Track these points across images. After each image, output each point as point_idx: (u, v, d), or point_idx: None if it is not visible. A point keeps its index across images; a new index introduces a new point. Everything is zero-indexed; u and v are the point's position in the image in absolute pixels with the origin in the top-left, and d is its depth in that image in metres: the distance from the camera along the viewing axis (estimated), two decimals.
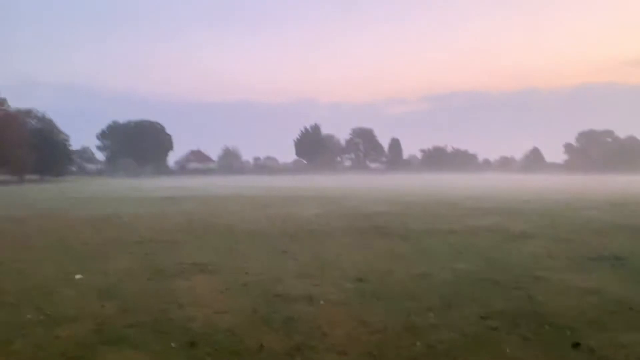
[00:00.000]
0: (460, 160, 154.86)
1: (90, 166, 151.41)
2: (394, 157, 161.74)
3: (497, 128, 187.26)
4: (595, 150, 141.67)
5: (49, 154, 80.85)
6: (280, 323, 6.14)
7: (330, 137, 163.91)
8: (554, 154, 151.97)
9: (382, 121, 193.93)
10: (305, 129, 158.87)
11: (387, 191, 41.57)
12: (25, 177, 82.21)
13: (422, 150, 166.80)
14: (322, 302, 7.11)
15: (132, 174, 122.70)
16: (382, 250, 11.42)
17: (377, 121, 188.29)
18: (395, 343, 5.49)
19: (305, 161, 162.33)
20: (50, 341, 5.58)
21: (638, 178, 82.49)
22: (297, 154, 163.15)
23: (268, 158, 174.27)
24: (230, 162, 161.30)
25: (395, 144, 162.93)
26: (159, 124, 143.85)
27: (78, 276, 8.82)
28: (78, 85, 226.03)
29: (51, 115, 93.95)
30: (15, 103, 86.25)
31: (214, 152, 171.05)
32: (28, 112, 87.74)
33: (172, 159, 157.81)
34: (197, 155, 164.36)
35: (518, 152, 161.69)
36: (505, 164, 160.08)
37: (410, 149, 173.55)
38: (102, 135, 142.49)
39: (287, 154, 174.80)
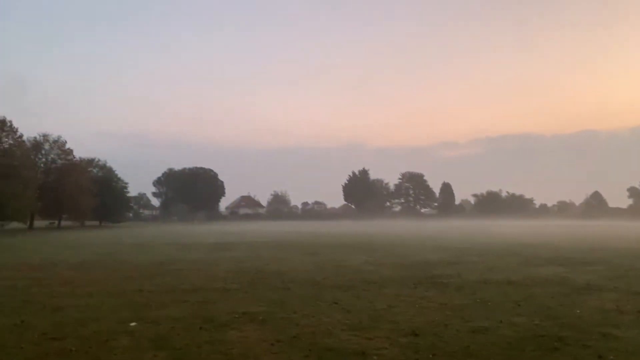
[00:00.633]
0: (516, 205, 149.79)
1: (146, 212, 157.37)
2: (445, 202, 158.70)
3: (554, 172, 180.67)
4: None
5: (108, 200, 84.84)
6: None
7: (379, 182, 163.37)
8: (617, 199, 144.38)
9: (433, 165, 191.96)
10: (354, 173, 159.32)
11: (440, 238, 40.53)
12: (85, 223, 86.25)
13: (475, 195, 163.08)
14: (375, 357, 6.86)
15: (186, 220, 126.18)
16: (436, 301, 10.99)
17: (427, 165, 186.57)
18: None
19: (353, 206, 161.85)
20: None
21: None
22: (346, 199, 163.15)
23: (316, 203, 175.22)
24: (279, 207, 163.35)
25: (446, 188, 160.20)
26: (212, 170, 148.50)
27: (132, 324, 8.96)
28: (137, 134, 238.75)
29: (112, 163, 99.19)
30: (80, 152, 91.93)
31: (263, 198, 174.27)
32: (91, 162, 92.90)
33: (223, 204, 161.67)
34: (247, 201, 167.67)
35: (577, 197, 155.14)
36: (563, 209, 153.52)
37: (463, 193, 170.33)
38: (158, 182, 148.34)
39: (336, 199, 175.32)
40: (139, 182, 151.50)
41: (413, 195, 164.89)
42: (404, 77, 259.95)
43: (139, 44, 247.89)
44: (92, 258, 23.13)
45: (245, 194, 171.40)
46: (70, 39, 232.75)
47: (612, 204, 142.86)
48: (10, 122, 60.41)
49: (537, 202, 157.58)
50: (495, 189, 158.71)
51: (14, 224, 63.93)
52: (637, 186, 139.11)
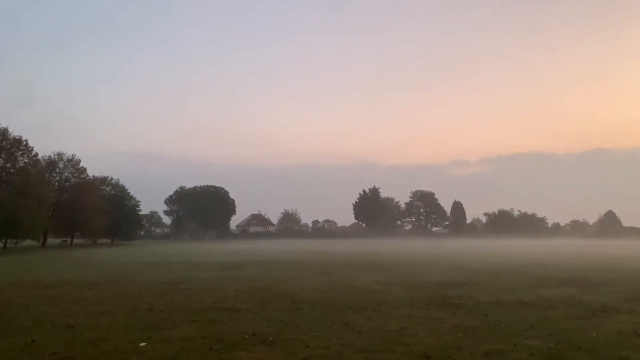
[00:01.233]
0: (528, 224, 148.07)
1: (157, 230, 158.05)
2: (457, 221, 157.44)
3: (566, 191, 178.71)
4: None
5: (120, 218, 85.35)
6: None
7: (389, 200, 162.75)
8: (632, 218, 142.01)
9: (444, 184, 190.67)
10: (364, 192, 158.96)
11: (451, 257, 40.14)
12: (97, 241, 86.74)
13: (487, 214, 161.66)
14: None
15: (196, 238, 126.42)
16: (449, 323, 10.84)
17: (438, 184, 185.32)
18: None
19: (364, 225, 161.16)
20: None
21: None
22: (356, 217, 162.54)
23: (327, 221, 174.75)
24: (289, 225, 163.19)
25: (457, 207, 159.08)
26: (223, 189, 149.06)
27: (142, 344, 8.94)
28: (150, 153, 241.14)
29: (124, 181, 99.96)
30: (94, 171, 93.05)
31: (274, 216, 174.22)
32: (104, 180, 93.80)
33: (234, 222, 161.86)
34: (258, 219, 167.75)
35: (591, 216, 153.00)
36: (577, 228, 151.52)
37: (474, 212, 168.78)
38: (170, 200, 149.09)
39: (346, 218, 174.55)
40: (151, 200, 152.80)
41: (424, 213, 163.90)
42: (416, 95, 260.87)
43: (152, 63, 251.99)
44: (103, 276, 23.21)
45: (255, 212, 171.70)
46: (85, 57, 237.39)
47: (626, 223, 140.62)
48: (26, 140, 61.38)
49: (550, 222, 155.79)
50: (507, 207, 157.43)
51: (27, 242, 64.47)
52: None
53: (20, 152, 60.94)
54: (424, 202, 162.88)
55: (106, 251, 58.96)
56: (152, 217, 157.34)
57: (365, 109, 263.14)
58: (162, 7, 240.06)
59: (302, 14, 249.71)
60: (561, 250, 57.16)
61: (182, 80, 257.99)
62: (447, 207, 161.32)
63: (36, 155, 64.75)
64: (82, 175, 78.76)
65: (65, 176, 77.22)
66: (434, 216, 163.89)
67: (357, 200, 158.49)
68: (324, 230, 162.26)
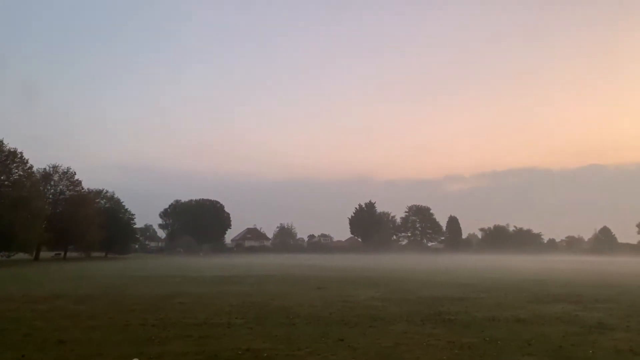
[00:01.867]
0: (523, 239, 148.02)
1: (152, 244, 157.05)
2: (452, 236, 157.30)
3: (561, 206, 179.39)
4: None
5: (115, 232, 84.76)
6: None
7: (385, 215, 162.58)
8: (627, 234, 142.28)
9: (439, 199, 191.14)
10: (360, 206, 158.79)
11: (447, 272, 40.03)
12: (91, 254, 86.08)
13: (482, 229, 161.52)
14: None
15: (191, 252, 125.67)
16: (444, 339, 10.76)
17: (434, 199, 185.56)
18: None
19: (360, 239, 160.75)
20: None
21: None
22: (352, 232, 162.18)
23: (322, 236, 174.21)
24: (285, 239, 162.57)
25: (453, 222, 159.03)
26: (218, 202, 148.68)
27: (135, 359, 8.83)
28: (145, 166, 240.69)
29: (119, 194, 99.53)
30: (89, 183, 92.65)
31: (269, 230, 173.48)
32: (99, 193, 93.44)
33: (229, 236, 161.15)
34: (253, 233, 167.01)
35: (586, 232, 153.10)
36: (572, 244, 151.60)
37: (469, 227, 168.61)
38: (165, 214, 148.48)
39: (342, 232, 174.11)
40: (146, 214, 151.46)
41: (420, 228, 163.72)
42: (411, 109, 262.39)
43: (149, 77, 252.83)
44: (96, 290, 22.98)
45: (251, 226, 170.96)
46: (80, 70, 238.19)
47: (621, 239, 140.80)
48: (21, 153, 61.20)
49: (545, 237, 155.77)
50: (502, 223, 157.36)
51: (20, 255, 63.88)
52: None
53: (15, 165, 60.71)
54: (420, 217, 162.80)
55: (100, 265, 58.48)
56: (147, 230, 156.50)
57: (361, 123, 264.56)
58: (159, 19, 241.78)
59: (297, 27, 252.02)
60: (557, 266, 57.13)
61: (180, 93, 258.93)
62: (443, 222, 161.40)
63: (31, 167, 64.55)
64: (77, 188, 78.47)
65: (60, 189, 76.93)
66: (430, 231, 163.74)
67: (352, 215, 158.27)
68: (320, 244, 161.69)
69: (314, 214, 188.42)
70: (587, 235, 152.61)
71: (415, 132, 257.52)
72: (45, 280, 30.84)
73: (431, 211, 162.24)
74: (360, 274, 37.69)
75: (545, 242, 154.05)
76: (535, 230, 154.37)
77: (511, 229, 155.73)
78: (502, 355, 9.19)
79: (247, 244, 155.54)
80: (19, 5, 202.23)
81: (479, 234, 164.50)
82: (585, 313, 15.02)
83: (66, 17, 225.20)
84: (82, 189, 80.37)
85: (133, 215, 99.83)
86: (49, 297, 19.91)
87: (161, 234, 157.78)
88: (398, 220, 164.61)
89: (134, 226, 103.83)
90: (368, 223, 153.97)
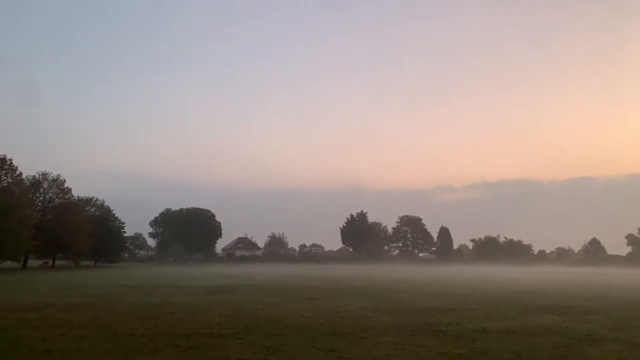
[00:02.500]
0: (514, 251, 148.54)
1: (142, 252, 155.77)
2: (443, 247, 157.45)
3: (552, 218, 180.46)
4: None
5: (104, 240, 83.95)
6: None
7: (377, 225, 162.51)
8: (616, 246, 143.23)
9: (430, 209, 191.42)
10: (352, 216, 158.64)
11: (438, 283, 40.06)
12: (80, 263, 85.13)
13: (473, 240, 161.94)
14: None
15: (181, 261, 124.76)
16: (435, 351, 10.76)
17: (426, 209, 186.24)
18: None
19: (351, 249, 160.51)
20: None
21: None
22: (343, 242, 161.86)
23: (314, 245, 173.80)
24: (276, 249, 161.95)
25: (444, 232, 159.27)
26: (209, 211, 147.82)
27: None
28: (136, 174, 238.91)
29: (109, 202, 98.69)
30: (79, 191, 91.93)
31: (260, 239, 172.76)
32: (89, 201, 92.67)
33: (220, 245, 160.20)
34: (244, 242, 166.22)
35: (576, 244, 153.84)
36: (562, 255, 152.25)
37: (461, 238, 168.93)
38: (155, 222, 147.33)
39: (333, 242, 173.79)
40: (136, 222, 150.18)
41: (411, 239, 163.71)
42: (403, 120, 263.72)
43: (139, 85, 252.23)
44: (85, 300, 22.74)
45: (242, 235, 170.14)
46: (69, 76, 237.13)
47: (610, 251, 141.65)
48: (10, 160, 60.63)
49: (536, 248, 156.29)
50: (493, 234, 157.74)
51: (7, 263, 63.05)
52: (635, 234, 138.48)
53: (3, 172, 60.11)
54: (411, 228, 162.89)
55: (89, 273, 57.87)
56: (137, 239, 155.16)
57: (353, 133, 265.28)
58: (155, 26, 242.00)
59: (289, 36, 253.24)
60: (547, 277, 57.35)
61: (172, 101, 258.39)
62: (434, 233, 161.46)
63: (20, 174, 63.94)
64: (67, 196, 77.72)
65: (49, 196, 76.11)
66: (421, 241, 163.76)
67: (344, 225, 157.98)
68: (311, 254, 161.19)
69: (305, 223, 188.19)
70: (577, 246, 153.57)
71: (407, 143, 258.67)
72: (32, 289, 30.47)
73: (422, 221, 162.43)
74: (352, 284, 37.61)
75: (536, 253, 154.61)
76: (525, 242, 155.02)
77: (502, 240, 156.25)
78: None
79: (238, 253, 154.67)
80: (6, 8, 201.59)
81: (470, 245, 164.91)
82: (575, 324, 15.08)
83: (59, 21, 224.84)
84: (72, 196, 79.65)
85: (123, 223, 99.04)
86: (37, 306, 19.67)
87: (151, 242, 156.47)
88: (389, 230, 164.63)
89: (124, 235, 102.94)
90: (360, 233, 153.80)
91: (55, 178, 76.27)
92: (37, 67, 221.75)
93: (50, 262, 79.89)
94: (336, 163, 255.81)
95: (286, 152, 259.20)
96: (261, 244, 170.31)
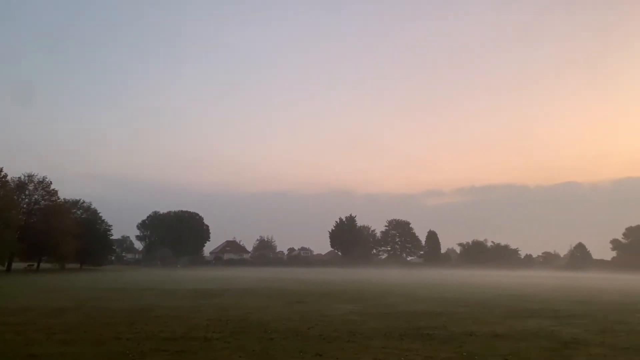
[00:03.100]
0: (501, 255, 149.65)
1: (129, 255, 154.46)
2: (431, 251, 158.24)
3: (538, 222, 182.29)
4: None
5: (91, 243, 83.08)
6: None
7: (366, 229, 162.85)
8: (601, 251, 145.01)
9: (419, 213, 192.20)
10: (341, 220, 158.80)
11: (426, 287, 40.20)
12: (65, 266, 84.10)
13: (461, 244, 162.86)
14: None
15: (169, 264, 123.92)
16: (422, 354, 10.78)
17: (414, 213, 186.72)
18: None
19: (340, 253, 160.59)
20: None
21: None
22: (332, 245, 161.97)
23: (302, 249, 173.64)
24: (264, 252, 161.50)
25: (432, 236, 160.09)
26: (197, 214, 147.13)
27: None
28: (124, 176, 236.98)
29: (96, 204, 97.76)
30: (66, 194, 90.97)
31: (249, 243, 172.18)
32: (75, 203, 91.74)
33: (208, 249, 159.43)
34: (233, 246, 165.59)
35: (562, 248, 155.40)
36: (549, 260, 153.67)
37: (448, 242, 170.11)
38: (142, 225, 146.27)
39: (322, 246, 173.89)
40: (123, 225, 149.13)
41: (399, 242, 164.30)
42: (393, 125, 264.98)
43: (126, 87, 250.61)
44: (70, 303, 22.47)
45: (230, 238, 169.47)
46: (56, 77, 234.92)
47: (596, 255, 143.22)
48: None
49: (523, 253, 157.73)
50: (480, 238, 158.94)
51: None
52: (620, 238, 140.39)
53: None
54: (400, 231, 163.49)
55: (74, 277, 57.21)
56: (124, 242, 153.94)
57: (343, 137, 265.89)
58: (146, 28, 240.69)
59: (277, 40, 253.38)
60: (533, 281, 57.83)
61: (161, 104, 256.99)
62: (422, 237, 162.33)
63: (5, 176, 63.12)
64: (53, 198, 76.82)
65: (35, 198, 75.20)
66: (409, 245, 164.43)
67: (333, 229, 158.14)
68: (300, 258, 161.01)
69: (294, 227, 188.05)
70: (563, 251, 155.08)
71: (396, 147, 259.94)
72: (17, 293, 30.05)
73: (411, 225, 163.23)
74: (340, 288, 37.60)
75: (523, 257, 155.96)
76: (512, 246, 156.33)
77: (489, 244, 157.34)
78: None
79: (226, 256, 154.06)
80: None
81: (458, 249, 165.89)
82: (561, 328, 15.21)
83: (49, 23, 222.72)
84: (58, 198, 78.72)
85: (110, 226, 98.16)
86: (21, 309, 19.40)
87: (138, 245, 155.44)
88: (378, 234, 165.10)
89: (111, 237, 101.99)
90: (348, 237, 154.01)
91: (41, 180, 75.40)
92: (24, 67, 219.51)
93: (35, 265, 78.84)
94: (325, 167, 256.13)
95: (275, 156, 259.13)
96: (249, 248, 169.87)
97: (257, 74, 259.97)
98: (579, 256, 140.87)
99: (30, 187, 74.70)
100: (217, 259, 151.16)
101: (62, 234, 70.92)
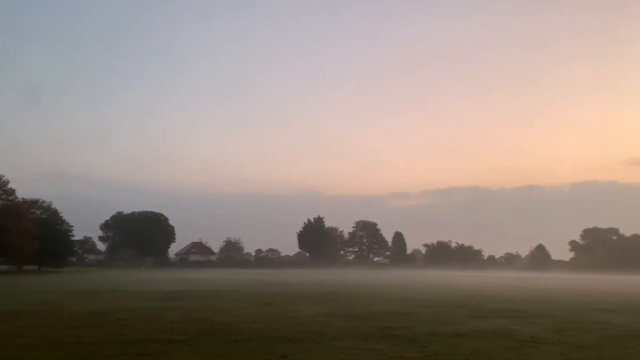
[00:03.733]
0: (465, 256, 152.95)
1: (91, 257, 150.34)
2: (398, 252, 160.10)
3: (501, 224, 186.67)
4: (601, 248, 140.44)
5: (51, 244, 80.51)
6: None
7: (333, 230, 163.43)
8: (560, 252, 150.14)
9: (386, 215, 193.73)
10: (309, 221, 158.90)
11: (392, 288, 40.66)
12: (23, 267, 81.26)
13: (426, 245, 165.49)
14: None
15: (133, 266, 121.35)
16: (388, 355, 10.89)
17: (381, 214, 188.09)
18: None
19: (307, 254, 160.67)
20: None
21: None
22: (300, 246, 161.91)
23: (270, 250, 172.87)
24: (231, 254, 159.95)
25: (398, 238, 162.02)
26: (162, 215, 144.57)
27: None
28: (86, 176, 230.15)
29: (57, 204, 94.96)
30: (24, 193, 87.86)
31: (215, 244, 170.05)
32: (34, 203, 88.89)
33: (173, 250, 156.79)
34: (199, 247, 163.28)
35: (523, 249, 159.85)
36: (510, 260, 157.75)
37: (414, 243, 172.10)
38: (105, 226, 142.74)
39: (290, 247, 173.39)
40: (85, 225, 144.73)
41: (366, 244, 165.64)
42: (360, 127, 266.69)
43: (90, 83, 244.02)
44: (27, 306, 21.73)
45: (196, 240, 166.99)
46: (18, 71, 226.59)
47: (555, 256, 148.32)
48: None
49: (486, 254, 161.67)
50: (445, 239, 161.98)
51: None
52: (577, 240, 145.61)
53: None
54: (367, 233, 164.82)
55: (33, 279, 55.31)
56: (86, 242, 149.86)
57: (309, 139, 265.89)
58: (116, 27, 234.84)
59: (247, 41, 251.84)
60: (496, 281, 59.26)
61: (122, 101, 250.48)
62: (389, 238, 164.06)
63: None
64: (10, 198, 74.29)
65: None
66: (376, 246, 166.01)
67: (301, 230, 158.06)
68: (267, 259, 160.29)
69: (261, 228, 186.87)
70: (524, 252, 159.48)
71: (363, 149, 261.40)
72: None
73: (378, 227, 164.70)
74: (307, 289, 37.61)
75: (486, 258, 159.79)
76: (476, 247, 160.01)
77: (453, 245, 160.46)
78: None
79: (192, 258, 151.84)
80: None
81: (423, 250, 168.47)
82: (521, 327, 15.63)
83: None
84: (16, 198, 76.13)
85: (71, 226, 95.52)
86: None
87: (101, 246, 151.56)
88: (346, 235, 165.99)
89: (72, 238, 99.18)
90: (316, 238, 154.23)
91: None
92: None
93: None
94: (293, 168, 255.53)
95: (242, 156, 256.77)
96: (216, 249, 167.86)
97: (225, 75, 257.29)
98: (539, 257, 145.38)
99: None
100: (183, 260, 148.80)
101: (20, 235, 68.55)
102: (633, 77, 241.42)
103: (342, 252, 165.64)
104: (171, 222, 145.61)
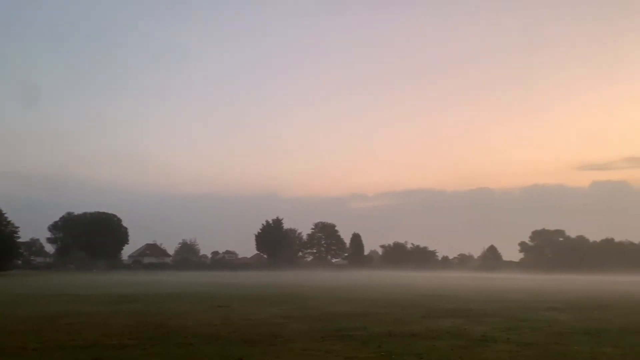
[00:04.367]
0: (420, 256, 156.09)
1: (39, 259, 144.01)
2: (355, 253, 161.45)
3: (454, 226, 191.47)
4: (548, 248, 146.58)
5: None
6: None
7: (292, 232, 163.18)
8: (510, 252, 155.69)
9: (344, 216, 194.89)
10: (267, 222, 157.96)
11: (349, 289, 40.99)
12: None
13: (383, 246, 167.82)
14: None
15: (84, 269, 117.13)
16: (342, 355, 11.00)
17: (339, 216, 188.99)
18: None
19: (265, 256, 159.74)
20: None
21: (589, 277, 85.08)
22: (258, 248, 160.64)
23: (227, 252, 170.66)
24: (187, 256, 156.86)
25: (356, 239, 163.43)
26: (115, 216, 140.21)
27: None
28: (32, 174, 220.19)
29: (1, 205, 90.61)
30: None
31: (170, 246, 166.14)
32: None
33: (126, 252, 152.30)
34: (153, 249, 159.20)
35: (476, 250, 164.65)
36: (463, 261, 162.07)
37: (371, 244, 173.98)
38: (54, 227, 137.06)
39: (247, 249, 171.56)
40: (32, 227, 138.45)
41: (325, 245, 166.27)
42: (317, 128, 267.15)
43: (38, 79, 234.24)
44: None
45: (150, 241, 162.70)
46: None
47: (506, 257, 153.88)
48: None
49: (440, 255, 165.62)
50: (401, 240, 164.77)
51: None
52: (527, 241, 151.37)
53: None
54: (325, 234, 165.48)
55: None
56: (33, 244, 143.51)
57: (266, 139, 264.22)
58: (61, 29, 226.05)
59: (206, 38, 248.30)
60: (449, 282, 60.75)
61: (74, 96, 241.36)
62: (347, 239, 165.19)
63: None
64: None
65: None
66: (334, 247, 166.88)
67: (259, 231, 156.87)
68: (224, 261, 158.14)
69: (218, 229, 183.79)
70: (476, 253, 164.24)
71: (321, 150, 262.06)
72: None
73: (336, 228, 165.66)
74: (265, 291, 37.42)
75: (440, 259, 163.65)
76: (430, 248, 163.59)
77: (409, 246, 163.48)
78: None
79: (146, 260, 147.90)
80: None
81: (380, 251, 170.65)
82: (472, 327, 16.09)
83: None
84: None
85: (17, 227, 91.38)
86: None
87: (50, 249, 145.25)
88: (304, 236, 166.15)
89: (18, 240, 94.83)
90: (275, 240, 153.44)
91: None
92: None
93: None
94: (249, 169, 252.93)
95: (198, 157, 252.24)
96: (171, 251, 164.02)
97: (180, 74, 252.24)
98: (491, 258, 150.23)
99: None
100: (137, 262, 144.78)
101: None
102: (585, 86, 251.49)
103: (300, 253, 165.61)
104: (124, 223, 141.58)
